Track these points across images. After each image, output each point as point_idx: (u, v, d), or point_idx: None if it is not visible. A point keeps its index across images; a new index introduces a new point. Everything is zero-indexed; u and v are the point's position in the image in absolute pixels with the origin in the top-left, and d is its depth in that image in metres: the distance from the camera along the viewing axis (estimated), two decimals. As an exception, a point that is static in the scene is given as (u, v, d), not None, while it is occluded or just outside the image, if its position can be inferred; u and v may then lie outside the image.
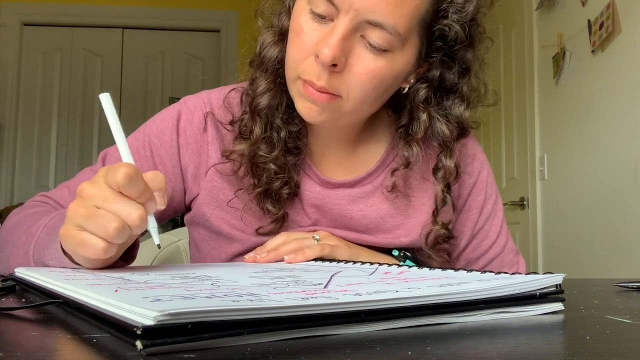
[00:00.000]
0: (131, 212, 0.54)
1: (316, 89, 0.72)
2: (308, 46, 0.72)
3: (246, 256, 0.78)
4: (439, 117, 0.80)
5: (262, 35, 0.82)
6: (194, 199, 0.86)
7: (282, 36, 0.80)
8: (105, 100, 0.61)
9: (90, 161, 4.05)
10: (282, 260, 0.75)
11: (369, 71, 0.71)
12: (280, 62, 0.79)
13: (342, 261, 0.74)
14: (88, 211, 0.55)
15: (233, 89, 0.86)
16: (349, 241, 0.84)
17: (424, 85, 0.78)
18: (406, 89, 0.79)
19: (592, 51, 2.30)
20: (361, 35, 0.70)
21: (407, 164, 0.82)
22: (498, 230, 0.92)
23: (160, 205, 0.57)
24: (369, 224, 0.85)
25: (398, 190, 0.84)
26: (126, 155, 0.61)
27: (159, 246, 0.58)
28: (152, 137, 0.84)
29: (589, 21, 2.32)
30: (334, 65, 0.70)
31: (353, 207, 0.85)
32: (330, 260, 0.76)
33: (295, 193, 0.83)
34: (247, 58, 0.85)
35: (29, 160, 4.00)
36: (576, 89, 2.43)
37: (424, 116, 0.79)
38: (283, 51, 0.78)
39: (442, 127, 0.80)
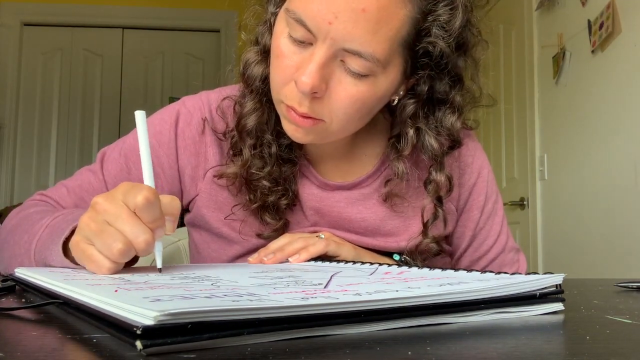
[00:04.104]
0: (139, 235, 0.54)
1: (299, 115, 0.71)
2: (289, 71, 0.70)
3: (250, 258, 0.77)
4: (428, 130, 0.78)
5: (245, 53, 0.81)
6: (192, 200, 0.86)
7: (265, 54, 0.78)
8: (140, 117, 0.61)
9: (90, 161, 4.03)
10: (287, 260, 0.74)
11: (351, 96, 0.70)
12: (265, 81, 0.78)
13: (342, 261, 0.74)
14: (98, 226, 0.56)
15: (226, 98, 0.85)
16: (351, 241, 0.83)
17: (411, 100, 0.77)
18: (395, 101, 0.78)
19: (592, 51, 2.30)
20: (341, 60, 0.69)
21: (400, 177, 0.81)
22: (499, 230, 0.92)
23: (169, 231, 0.58)
24: (368, 226, 0.85)
25: (394, 197, 0.84)
26: (148, 178, 0.61)
27: (160, 270, 0.58)
28: (150, 137, 0.83)
29: (589, 21, 2.32)
30: (314, 92, 0.69)
31: (352, 210, 0.84)
32: (331, 260, 0.76)
33: (294, 203, 0.83)
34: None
35: (29, 160, 4.00)
36: (576, 89, 2.43)
37: (411, 132, 0.78)
38: (267, 69, 0.77)
39: (430, 140, 0.78)
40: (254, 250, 0.81)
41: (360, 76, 0.69)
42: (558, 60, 2.56)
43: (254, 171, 0.80)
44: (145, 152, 0.61)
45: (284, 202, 0.81)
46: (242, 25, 0.84)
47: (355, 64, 0.68)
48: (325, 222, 0.85)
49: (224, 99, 0.85)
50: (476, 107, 0.84)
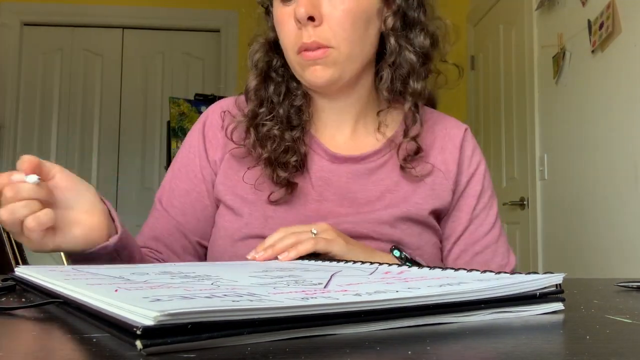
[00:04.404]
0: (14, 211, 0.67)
1: (310, 49, 0.84)
2: (290, 26, 0.85)
3: (248, 255, 0.79)
4: (406, 45, 0.90)
5: (250, 48, 0.96)
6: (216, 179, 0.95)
7: (266, 43, 0.94)
8: None
9: (90, 161, 4.05)
10: (277, 258, 0.76)
11: (342, 11, 0.84)
12: (266, 59, 0.93)
13: (342, 261, 0.74)
14: None
15: (242, 94, 0.95)
16: (349, 217, 0.88)
17: (390, 13, 0.89)
18: (385, 30, 0.90)
19: (592, 51, 2.30)
20: None
21: (384, 83, 0.90)
22: (493, 222, 0.98)
23: (26, 168, 0.69)
24: (370, 197, 0.91)
25: (383, 127, 0.94)
26: None
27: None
28: (187, 153, 0.96)
29: (589, 21, 2.32)
30: (313, 20, 0.83)
31: (357, 181, 0.92)
32: (324, 259, 0.76)
33: (303, 163, 0.91)
34: (246, 59, 0.97)
35: (29, 160, 3.99)
36: (576, 89, 2.44)
37: (392, 40, 0.89)
38: (268, 52, 0.93)
39: (409, 55, 0.89)
40: (261, 223, 0.88)
41: None
42: (558, 60, 2.56)
43: (266, 123, 0.89)
44: None
45: (293, 158, 0.89)
46: (252, 39, 0.96)
47: None
48: (330, 194, 0.91)
49: (240, 94, 0.96)
50: (451, 43, 0.95)
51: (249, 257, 0.79)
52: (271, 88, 0.92)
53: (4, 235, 1.30)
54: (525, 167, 2.85)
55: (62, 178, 0.73)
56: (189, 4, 4.10)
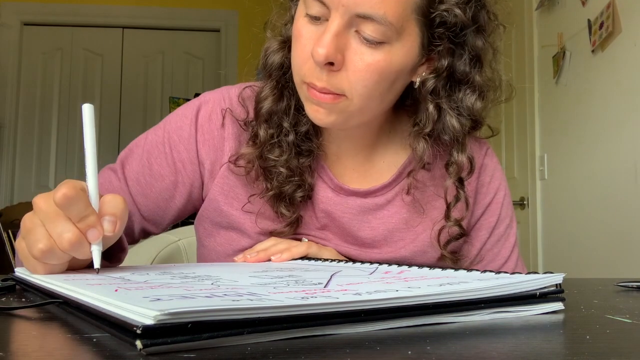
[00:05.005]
0: (62, 234, 0.53)
1: (318, 90, 0.71)
2: (307, 49, 0.71)
3: (236, 258, 0.78)
4: (449, 109, 0.76)
5: (266, 43, 0.82)
6: (208, 194, 0.86)
7: (285, 43, 0.80)
8: (88, 111, 0.60)
9: (90, 161, 4.05)
10: (269, 260, 0.75)
11: (367, 65, 0.69)
12: (283, 67, 0.79)
13: (341, 261, 0.74)
14: (30, 225, 0.55)
15: (248, 86, 0.85)
16: (352, 254, 0.84)
17: (431, 76, 0.75)
18: (417, 83, 0.76)
19: (592, 51, 2.30)
20: (355, 31, 0.69)
21: (422, 163, 0.79)
22: (507, 256, 0.90)
23: (108, 231, 0.55)
24: (375, 236, 0.84)
25: (414, 196, 0.83)
26: (92, 175, 0.58)
27: (97, 270, 0.55)
28: (171, 133, 0.84)
29: (589, 21, 2.32)
30: (332, 64, 0.69)
31: (362, 219, 0.84)
32: (331, 260, 0.76)
33: (309, 196, 0.82)
34: (246, 57, 0.85)
35: (29, 160, 4.00)
36: (576, 88, 2.43)
37: (431, 107, 0.76)
38: (285, 57, 0.79)
39: (452, 120, 0.76)
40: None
41: (376, 44, 0.69)
42: (558, 60, 2.56)
43: (270, 156, 0.79)
44: (90, 146, 0.59)
45: (299, 194, 0.80)
46: (266, 24, 0.84)
47: (369, 30, 0.68)
48: (333, 227, 0.84)
49: (245, 87, 0.85)
50: (498, 103, 0.82)
51: (236, 259, 0.77)
52: (282, 104, 0.80)
53: (4, 236, 1.30)
54: (525, 167, 2.84)
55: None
56: (189, 4, 4.10)
